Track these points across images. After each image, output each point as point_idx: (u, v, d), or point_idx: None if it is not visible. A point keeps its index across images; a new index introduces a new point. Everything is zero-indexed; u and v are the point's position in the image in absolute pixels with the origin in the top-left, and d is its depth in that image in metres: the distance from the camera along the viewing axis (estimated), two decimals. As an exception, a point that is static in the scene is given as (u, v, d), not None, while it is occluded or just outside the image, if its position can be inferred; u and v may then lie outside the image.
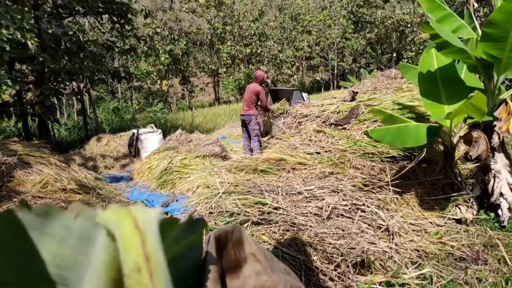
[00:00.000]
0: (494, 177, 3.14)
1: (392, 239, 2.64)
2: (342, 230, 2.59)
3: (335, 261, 2.35)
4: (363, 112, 4.17)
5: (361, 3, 35.38)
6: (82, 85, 9.97)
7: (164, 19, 27.23)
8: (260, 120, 6.85)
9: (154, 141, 8.10)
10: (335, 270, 2.32)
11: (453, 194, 3.20)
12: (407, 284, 2.28)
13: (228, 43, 28.78)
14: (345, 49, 34.78)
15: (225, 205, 2.99)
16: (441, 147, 3.43)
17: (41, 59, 7.59)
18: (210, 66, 29.17)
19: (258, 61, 29.08)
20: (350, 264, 2.35)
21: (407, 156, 3.52)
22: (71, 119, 18.38)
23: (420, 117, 3.72)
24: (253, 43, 28.78)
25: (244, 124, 6.69)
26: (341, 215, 2.79)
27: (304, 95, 9.39)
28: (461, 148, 3.62)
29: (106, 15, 10.22)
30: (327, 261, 2.37)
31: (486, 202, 3.21)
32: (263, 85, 7.03)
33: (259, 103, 6.68)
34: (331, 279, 2.27)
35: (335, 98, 5.08)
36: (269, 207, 2.84)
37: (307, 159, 3.73)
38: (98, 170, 7.23)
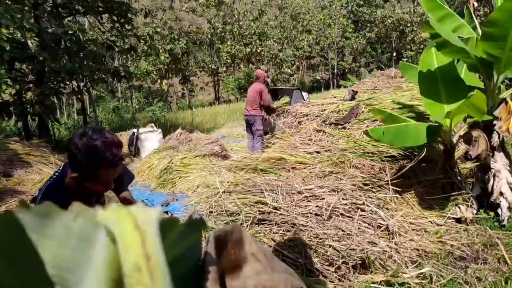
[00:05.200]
0: (494, 176, 3.14)
1: (392, 239, 2.65)
2: (343, 231, 2.60)
3: (336, 264, 2.35)
4: (363, 112, 4.17)
5: (361, 2, 35.38)
6: (82, 84, 9.96)
7: (164, 18, 27.21)
8: (266, 118, 6.82)
9: (154, 141, 8.10)
10: (336, 272, 2.32)
11: (453, 193, 3.20)
12: (407, 283, 2.29)
13: (228, 43, 28.77)
14: (345, 48, 34.80)
15: (225, 204, 2.99)
16: (441, 147, 3.43)
17: (41, 58, 7.58)
18: (210, 66, 29.16)
19: (258, 60, 29.06)
20: (350, 266, 2.35)
21: (407, 155, 3.52)
22: (71, 118, 18.39)
23: (420, 117, 3.72)
24: (253, 43, 28.76)
25: (249, 124, 6.68)
26: (341, 214, 2.79)
27: (304, 94, 9.39)
28: (461, 148, 3.62)
29: (106, 15, 10.21)
30: (328, 263, 2.37)
31: (486, 201, 3.21)
32: (265, 84, 7.00)
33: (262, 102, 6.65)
34: (332, 281, 2.27)
35: (335, 97, 5.08)
36: (269, 207, 2.84)
37: (307, 159, 3.73)
38: (98, 169, 7.21)
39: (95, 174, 1.39)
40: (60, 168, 1.62)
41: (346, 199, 2.92)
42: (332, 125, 4.24)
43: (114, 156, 1.39)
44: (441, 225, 2.97)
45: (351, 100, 4.66)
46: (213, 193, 3.37)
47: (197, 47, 33.26)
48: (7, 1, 6.92)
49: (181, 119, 16.47)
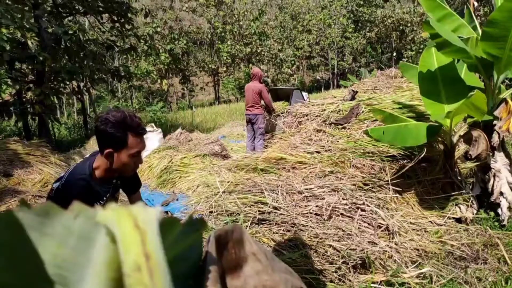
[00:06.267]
0: (494, 176, 3.14)
1: (392, 238, 2.65)
2: (343, 231, 2.60)
3: (336, 264, 2.35)
4: (363, 111, 4.17)
5: (361, 2, 35.37)
6: (82, 84, 9.97)
7: (164, 18, 27.19)
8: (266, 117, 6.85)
9: (154, 140, 8.09)
10: (336, 272, 2.32)
11: (453, 193, 3.20)
12: (407, 283, 2.29)
13: (228, 42, 28.77)
14: (345, 48, 34.79)
15: (225, 204, 2.99)
16: (441, 146, 3.43)
17: (41, 58, 7.58)
18: (210, 65, 29.15)
19: (258, 60, 29.05)
20: (350, 266, 2.35)
21: (407, 155, 3.52)
22: (71, 118, 18.39)
23: (420, 116, 3.72)
24: (253, 42, 28.76)
25: (250, 123, 6.68)
26: (341, 214, 2.79)
27: (304, 94, 9.38)
28: (461, 147, 3.62)
29: (106, 14, 10.21)
30: (328, 263, 2.37)
31: (486, 201, 3.21)
32: (264, 83, 7.03)
33: (262, 101, 6.68)
34: (332, 281, 2.27)
35: (335, 97, 5.08)
36: (269, 207, 2.84)
37: (307, 158, 3.73)
38: (98, 169, 7.21)
39: (125, 141, 1.55)
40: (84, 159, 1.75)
41: (346, 199, 2.92)
42: (332, 125, 4.23)
43: (139, 124, 1.60)
44: (441, 225, 2.97)
45: (351, 100, 4.65)
46: (213, 193, 3.37)
47: (197, 47, 33.28)
48: (7, 1, 6.92)
49: (181, 119, 16.49)
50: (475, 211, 3.14)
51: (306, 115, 4.66)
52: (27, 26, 6.55)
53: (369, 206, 2.87)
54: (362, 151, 3.63)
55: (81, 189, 1.55)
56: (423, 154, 3.26)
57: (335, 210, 2.81)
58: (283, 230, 2.62)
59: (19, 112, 8.35)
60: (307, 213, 2.78)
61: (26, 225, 0.32)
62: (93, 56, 9.71)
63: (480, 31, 3.33)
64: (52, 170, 5.39)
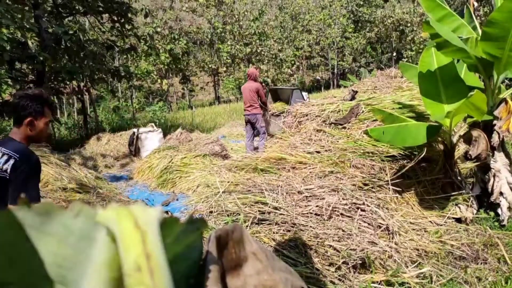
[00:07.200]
0: (494, 176, 3.15)
1: (392, 238, 2.65)
2: (343, 231, 2.60)
3: (336, 264, 2.35)
4: (363, 111, 4.17)
5: (361, 2, 35.38)
6: (82, 84, 9.96)
7: (165, 18, 27.20)
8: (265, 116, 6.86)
9: (154, 140, 8.10)
10: (336, 272, 2.32)
11: (453, 193, 3.20)
12: (407, 283, 2.29)
13: (228, 43, 28.76)
14: (345, 48, 34.78)
15: (225, 204, 2.99)
16: (441, 146, 3.43)
17: (41, 58, 7.58)
18: (210, 65, 29.14)
19: (258, 60, 29.04)
20: (350, 266, 2.35)
21: (407, 155, 3.52)
22: (71, 118, 18.36)
23: (420, 116, 3.72)
24: (253, 42, 28.75)
25: (250, 123, 6.69)
26: (341, 214, 2.79)
27: (304, 94, 9.41)
28: (461, 147, 3.62)
29: (106, 15, 10.21)
30: (328, 263, 2.37)
31: (486, 201, 3.21)
32: (264, 83, 7.07)
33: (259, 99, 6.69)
34: (332, 282, 2.27)
35: (335, 97, 5.08)
36: (270, 207, 2.84)
37: (307, 158, 3.73)
38: (98, 169, 7.23)
39: (42, 110, 1.90)
40: (4, 141, 1.96)
41: (346, 199, 2.92)
42: (332, 125, 4.24)
43: (50, 100, 1.99)
44: (441, 225, 2.98)
45: (351, 100, 4.66)
46: (213, 193, 3.37)
47: (197, 47, 33.25)
48: (7, 1, 6.92)
49: (181, 119, 16.49)
50: (475, 211, 3.14)
51: (306, 115, 4.66)
52: (27, 26, 6.55)
53: (369, 206, 2.88)
54: (362, 151, 3.64)
55: (31, 151, 1.87)
56: (423, 154, 3.26)
57: (335, 210, 2.81)
58: (283, 230, 2.62)
59: (19, 112, 8.34)
60: (307, 213, 2.78)
61: (26, 224, 0.32)
62: (93, 56, 9.70)
63: (480, 31, 3.33)
64: (52, 170, 5.38)
